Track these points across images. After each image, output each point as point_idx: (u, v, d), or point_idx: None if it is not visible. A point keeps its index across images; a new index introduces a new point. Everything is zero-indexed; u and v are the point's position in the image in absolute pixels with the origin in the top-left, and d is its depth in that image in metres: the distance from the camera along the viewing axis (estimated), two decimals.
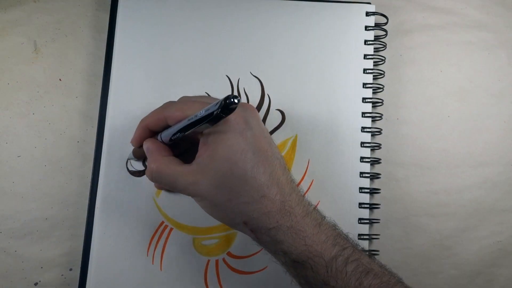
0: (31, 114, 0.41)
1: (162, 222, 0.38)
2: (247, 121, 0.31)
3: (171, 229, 0.38)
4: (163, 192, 0.39)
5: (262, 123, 0.33)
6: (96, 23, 0.42)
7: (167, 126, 0.33)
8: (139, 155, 0.37)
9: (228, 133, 0.30)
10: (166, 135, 0.33)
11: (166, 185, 0.33)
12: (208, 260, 0.38)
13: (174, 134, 0.32)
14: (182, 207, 0.38)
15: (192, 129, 0.30)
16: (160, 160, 0.32)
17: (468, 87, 0.43)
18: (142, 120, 0.35)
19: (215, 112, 0.27)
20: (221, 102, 0.26)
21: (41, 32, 0.42)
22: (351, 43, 0.41)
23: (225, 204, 0.30)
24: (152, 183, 0.37)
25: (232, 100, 0.26)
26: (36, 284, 0.39)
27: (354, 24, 0.42)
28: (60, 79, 0.41)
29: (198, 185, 0.30)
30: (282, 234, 0.30)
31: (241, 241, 0.38)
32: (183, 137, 0.32)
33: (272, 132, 0.40)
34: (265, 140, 0.32)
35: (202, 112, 0.28)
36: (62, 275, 0.39)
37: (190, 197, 0.32)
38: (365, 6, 0.42)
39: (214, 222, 0.38)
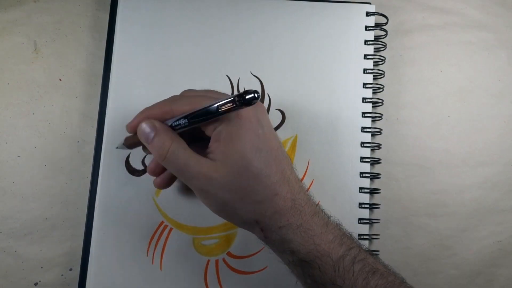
0: (31, 114, 0.41)
1: (162, 222, 0.38)
2: (258, 119, 0.30)
3: (171, 229, 0.38)
4: (162, 192, 0.39)
5: (270, 121, 0.33)
6: (96, 23, 0.42)
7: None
8: (131, 143, 0.34)
9: (242, 129, 0.29)
10: (172, 122, 0.31)
11: (176, 169, 0.31)
12: (208, 260, 0.38)
13: (180, 119, 0.30)
14: (182, 207, 0.38)
15: (207, 120, 0.29)
16: (177, 141, 0.30)
17: (468, 87, 0.43)
18: (146, 110, 0.32)
19: (236, 103, 0.27)
20: (242, 94, 0.26)
21: (41, 32, 0.42)
22: (351, 43, 0.41)
23: (237, 202, 0.30)
24: (151, 183, 0.37)
25: (253, 95, 0.26)
26: (36, 284, 0.39)
27: (354, 24, 0.42)
28: (60, 79, 0.41)
29: (211, 180, 0.29)
30: (292, 233, 0.30)
31: (241, 241, 0.38)
32: (187, 129, 0.30)
33: None
34: (275, 139, 0.32)
35: (219, 101, 0.28)
36: (62, 275, 0.39)
37: (190, 196, 0.31)
38: (365, 6, 0.42)
39: (214, 222, 0.38)
